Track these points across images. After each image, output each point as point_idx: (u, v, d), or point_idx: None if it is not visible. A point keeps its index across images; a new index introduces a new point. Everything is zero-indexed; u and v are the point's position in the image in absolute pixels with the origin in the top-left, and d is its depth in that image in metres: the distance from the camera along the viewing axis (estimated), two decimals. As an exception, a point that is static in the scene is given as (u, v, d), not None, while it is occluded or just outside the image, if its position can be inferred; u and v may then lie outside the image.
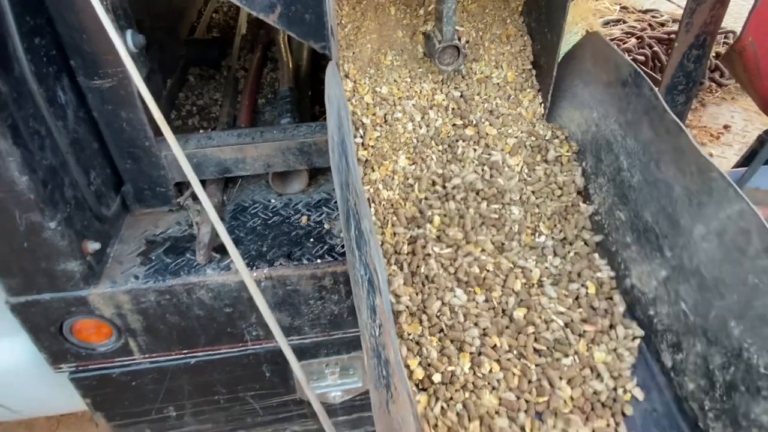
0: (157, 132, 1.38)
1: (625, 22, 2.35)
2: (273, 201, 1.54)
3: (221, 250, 1.38)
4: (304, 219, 1.46)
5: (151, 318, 1.35)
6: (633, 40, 1.95)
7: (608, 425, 0.88)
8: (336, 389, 1.68)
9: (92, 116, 1.29)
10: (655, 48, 2.17)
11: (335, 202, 1.51)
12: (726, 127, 1.85)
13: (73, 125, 1.24)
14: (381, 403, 0.80)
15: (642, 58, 1.90)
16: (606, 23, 2.41)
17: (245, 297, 1.36)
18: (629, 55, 1.92)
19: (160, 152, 1.37)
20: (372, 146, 1.09)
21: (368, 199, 1.07)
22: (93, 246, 1.26)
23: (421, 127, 1.11)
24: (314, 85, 1.89)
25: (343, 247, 1.37)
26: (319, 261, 1.35)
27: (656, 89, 0.95)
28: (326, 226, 1.45)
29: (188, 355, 1.46)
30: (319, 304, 1.42)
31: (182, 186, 1.50)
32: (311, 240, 1.41)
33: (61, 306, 1.28)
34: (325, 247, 1.39)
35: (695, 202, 0.87)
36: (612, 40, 2.05)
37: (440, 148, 1.11)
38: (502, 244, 1.04)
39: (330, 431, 0.93)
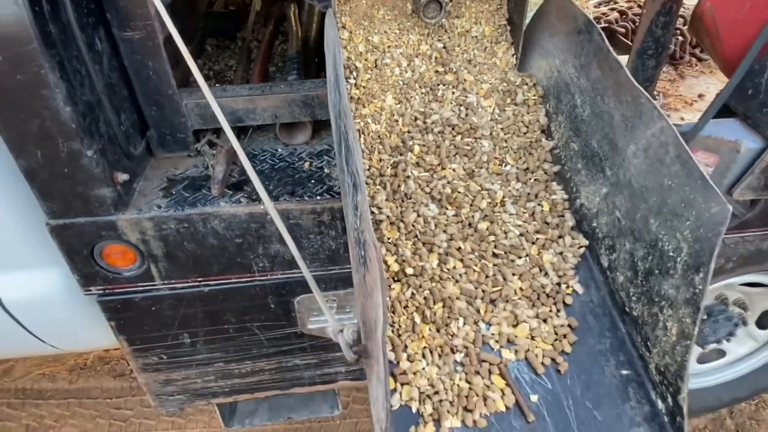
0: (179, 83, 1.57)
1: (616, 2, 2.49)
2: (280, 150, 1.72)
3: (233, 187, 1.56)
4: (306, 165, 1.64)
5: (171, 245, 1.53)
6: (615, 14, 2.10)
7: (550, 311, 1.04)
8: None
9: (123, 65, 1.47)
10: (638, 23, 2.30)
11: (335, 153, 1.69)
12: (700, 95, 1.99)
13: (107, 71, 1.43)
14: (360, 281, 0.98)
15: (622, 30, 2.05)
16: (599, 3, 2.55)
17: (253, 228, 1.54)
18: (610, 26, 2.07)
19: (182, 101, 1.55)
20: (363, 86, 1.26)
21: (358, 130, 1.24)
22: (122, 177, 1.45)
23: (406, 72, 1.29)
24: (321, 55, 2.07)
25: (340, 188, 1.55)
26: (318, 198, 1.52)
27: (603, 34, 1.11)
28: (326, 170, 1.62)
29: (202, 283, 1.64)
30: (318, 239, 1.59)
31: (199, 134, 1.68)
32: (312, 181, 1.58)
33: (93, 230, 1.47)
34: (325, 187, 1.56)
35: (629, 125, 1.03)
36: (598, 17, 2.20)
37: (423, 90, 1.28)
38: (473, 170, 1.20)
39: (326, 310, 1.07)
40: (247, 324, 1.77)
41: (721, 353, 2.52)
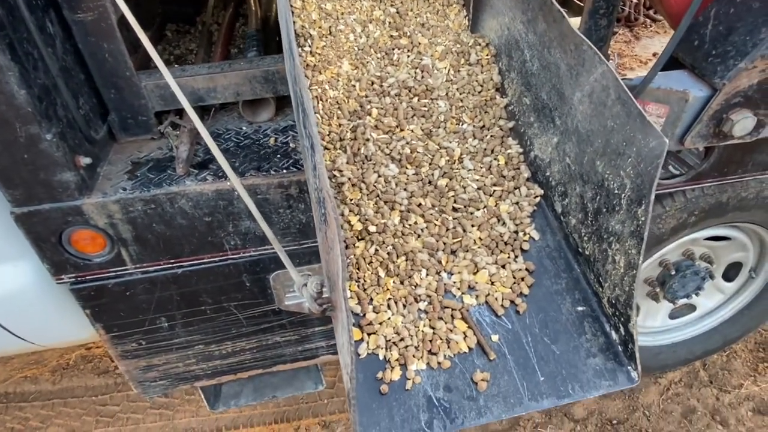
0: (138, 66, 1.56)
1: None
2: (244, 128, 1.73)
3: (198, 166, 1.57)
4: (272, 140, 1.65)
5: (140, 227, 1.53)
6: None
7: (509, 257, 1.08)
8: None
9: (78, 48, 1.46)
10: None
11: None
12: (654, 54, 2.05)
13: (61, 54, 1.41)
14: (322, 238, 1.00)
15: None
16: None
17: (222, 206, 1.54)
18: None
19: (141, 82, 1.55)
20: (319, 54, 1.28)
21: (316, 97, 1.26)
22: (85, 160, 1.44)
23: (361, 38, 1.31)
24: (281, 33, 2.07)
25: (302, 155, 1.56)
26: (285, 171, 1.54)
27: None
28: (291, 145, 1.63)
29: (175, 265, 1.65)
30: (287, 213, 1.60)
31: (161, 116, 1.68)
32: (278, 156, 1.60)
33: (59, 216, 1.46)
34: (291, 161, 1.58)
35: (574, 73, 1.06)
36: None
37: (378, 55, 1.31)
38: (431, 130, 1.23)
39: (294, 274, 1.08)
40: (224, 304, 1.79)
41: (692, 308, 2.61)
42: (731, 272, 2.52)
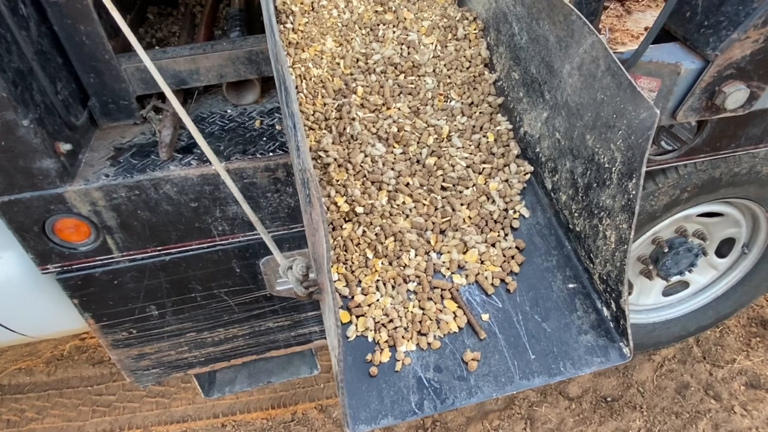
0: (117, 49, 1.52)
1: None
2: (229, 111, 1.69)
3: (182, 151, 1.53)
4: (257, 123, 1.61)
5: (124, 214, 1.51)
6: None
7: (498, 235, 1.07)
8: (302, 284, 1.85)
9: (54, 31, 1.42)
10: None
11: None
12: (646, 28, 2.01)
13: (36, 38, 1.37)
14: (308, 220, 0.98)
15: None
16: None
17: (208, 191, 1.52)
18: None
19: (121, 66, 1.51)
20: (301, 30, 1.24)
21: (299, 75, 1.22)
22: (65, 146, 1.40)
23: (345, 13, 1.27)
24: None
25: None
26: (271, 154, 1.51)
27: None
28: (278, 127, 1.60)
29: (163, 251, 1.63)
30: (276, 197, 1.58)
31: (144, 100, 1.64)
32: (264, 139, 1.56)
33: (41, 204, 1.43)
34: (277, 144, 1.54)
35: (563, 45, 1.03)
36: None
37: (363, 31, 1.27)
38: (418, 108, 1.20)
39: (273, 247, 1.06)
40: (215, 291, 1.77)
41: (685, 285, 2.62)
42: (724, 248, 2.53)
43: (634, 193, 0.86)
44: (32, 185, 1.39)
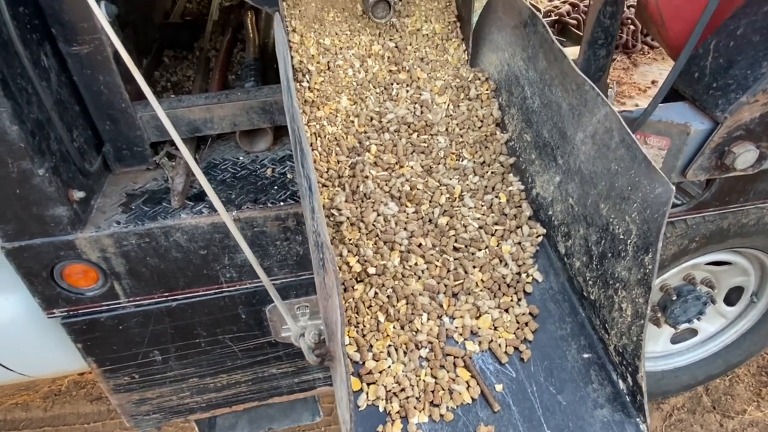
0: (134, 96, 1.55)
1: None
2: (241, 158, 1.71)
3: (194, 198, 1.54)
4: (269, 171, 1.63)
5: (134, 261, 1.50)
6: (567, 7, 2.15)
7: (512, 300, 1.06)
8: (307, 330, 1.84)
9: (73, 80, 1.45)
10: (590, 15, 2.36)
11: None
12: (653, 82, 2.04)
13: (56, 87, 1.40)
14: (320, 283, 0.97)
15: (574, 22, 2.10)
16: (553, -3, 2.59)
17: (217, 239, 1.52)
18: (562, 18, 2.12)
19: (136, 114, 1.53)
20: (317, 89, 1.26)
21: (314, 133, 1.24)
22: (78, 194, 1.41)
23: (360, 73, 1.29)
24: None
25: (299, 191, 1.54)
26: (282, 204, 1.51)
27: (547, 26, 1.13)
28: (289, 176, 1.61)
29: (169, 297, 1.62)
30: (285, 245, 1.58)
31: (157, 146, 1.66)
32: (275, 187, 1.57)
33: (51, 250, 1.43)
34: (288, 192, 1.55)
35: (576, 113, 1.05)
36: (550, 10, 2.24)
37: (377, 90, 1.29)
38: (430, 167, 1.21)
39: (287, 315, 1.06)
40: (219, 336, 1.75)
41: (693, 332, 2.58)
42: (733, 296, 2.50)
43: (650, 267, 0.85)
44: (44, 232, 1.40)
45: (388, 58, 1.34)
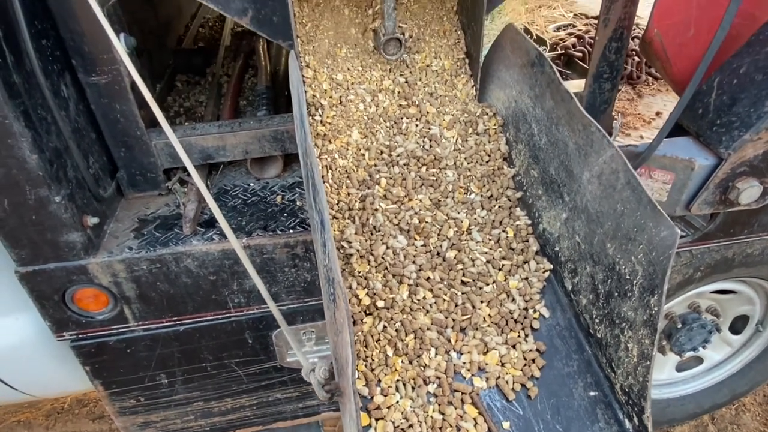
0: (148, 124, 1.58)
1: (574, 26, 2.60)
2: (252, 185, 1.74)
3: (205, 225, 1.57)
4: (279, 198, 1.66)
5: (144, 286, 1.52)
6: (573, 39, 2.19)
7: (519, 336, 1.07)
8: (313, 356, 1.85)
9: (91, 109, 1.48)
10: (595, 47, 2.41)
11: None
12: (658, 113, 2.07)
13: (74, 116, 1.43)
14: (330, 317, 0.99)
15: (579, 54, 2.14)
16: (558, 28, 2.65)
17: (227, 265, 1.54)
18: (568, 51, 2.16)
19: (151, 141, 1.56)
20: (329, 123, 1.30)
21: (325, 166, 1.27)
22: (92, 220, 1.44)
23: (371, 107, 1.32)
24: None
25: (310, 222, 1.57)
26: (291, 231, 1.54)
27: (554, 66, 1.16)
28: (299, 203, 1.64)
29: (177, 322, 1.64)
30: (293, 272, 1.60)
31: (170, 172, 1.69)
32: (285, 215, 1.60)
33: (64, 275, 1.45)
34: (297, 220, 1.58)
35: (582, 153, 1.07)
36: (556, 42, 2.28)
37: (387, 124, 1.32)
38: (439, 200, 1.23)
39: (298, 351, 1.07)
40: (225, 361, 1.76)
41: (699, 360, 2.57)
42: (738, 325, 2.50)
43: (656, 309, 0.87)
44: (57, 257, 1.42)
45: (399, 93, 1.38)
